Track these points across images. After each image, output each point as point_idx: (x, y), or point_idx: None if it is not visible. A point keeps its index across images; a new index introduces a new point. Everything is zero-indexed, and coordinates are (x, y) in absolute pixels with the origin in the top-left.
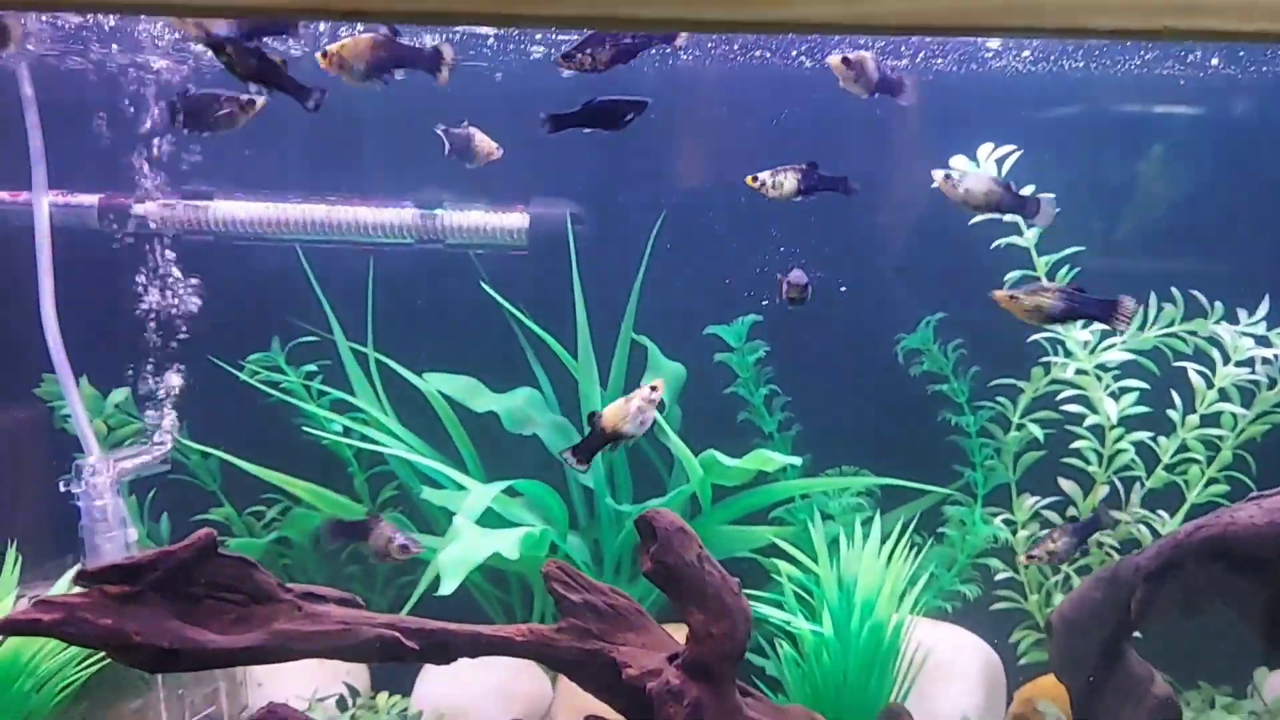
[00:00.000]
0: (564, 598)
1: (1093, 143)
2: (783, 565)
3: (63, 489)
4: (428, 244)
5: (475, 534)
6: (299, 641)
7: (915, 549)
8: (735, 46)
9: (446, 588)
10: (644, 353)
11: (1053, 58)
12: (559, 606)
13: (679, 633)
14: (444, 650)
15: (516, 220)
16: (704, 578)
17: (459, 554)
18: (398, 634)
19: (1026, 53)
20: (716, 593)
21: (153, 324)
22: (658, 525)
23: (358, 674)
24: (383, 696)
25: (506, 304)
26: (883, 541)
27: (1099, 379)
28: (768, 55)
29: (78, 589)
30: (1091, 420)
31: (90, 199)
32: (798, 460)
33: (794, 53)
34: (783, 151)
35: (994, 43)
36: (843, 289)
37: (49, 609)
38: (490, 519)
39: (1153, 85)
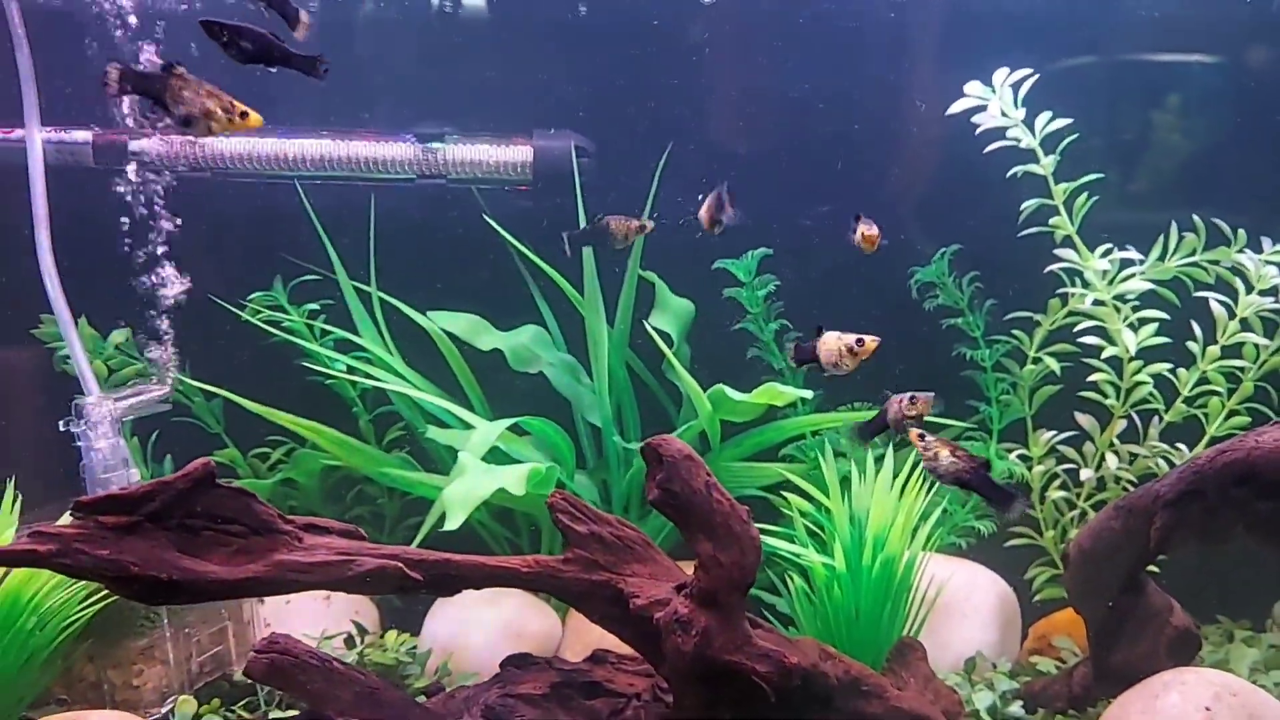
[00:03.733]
0: (570, 529)
1: (1111, 66)
2: (794, 499)
3: (62, 429)
4: (429, 179)
5: (480, 470)
6: (299, 573)
7: (929, 484)
8: None
9: (451, 523)
10: (651, 289)
11: None
12: (565, 537)
13: (690, 569)
14: (448, 581)
15: (520, 153)
16: (712, 505)
17: (464, 490)
18: (400, 564)
19: None
20: (725, 521)
21: (152, 263)
22: (664, 452)
23: (367, 613)
24: (391, 635)
25: (511, 239)
26: (895, 477)
27: (1117, 310)
28: None
29: (74, 521)
30: (1109, 352)
31: (84, 135)
32: (809, 394)
33: None
34: (792, 75)
35: None
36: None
37: (44, 540)
38: (498, 458)
39: (1174, 7)
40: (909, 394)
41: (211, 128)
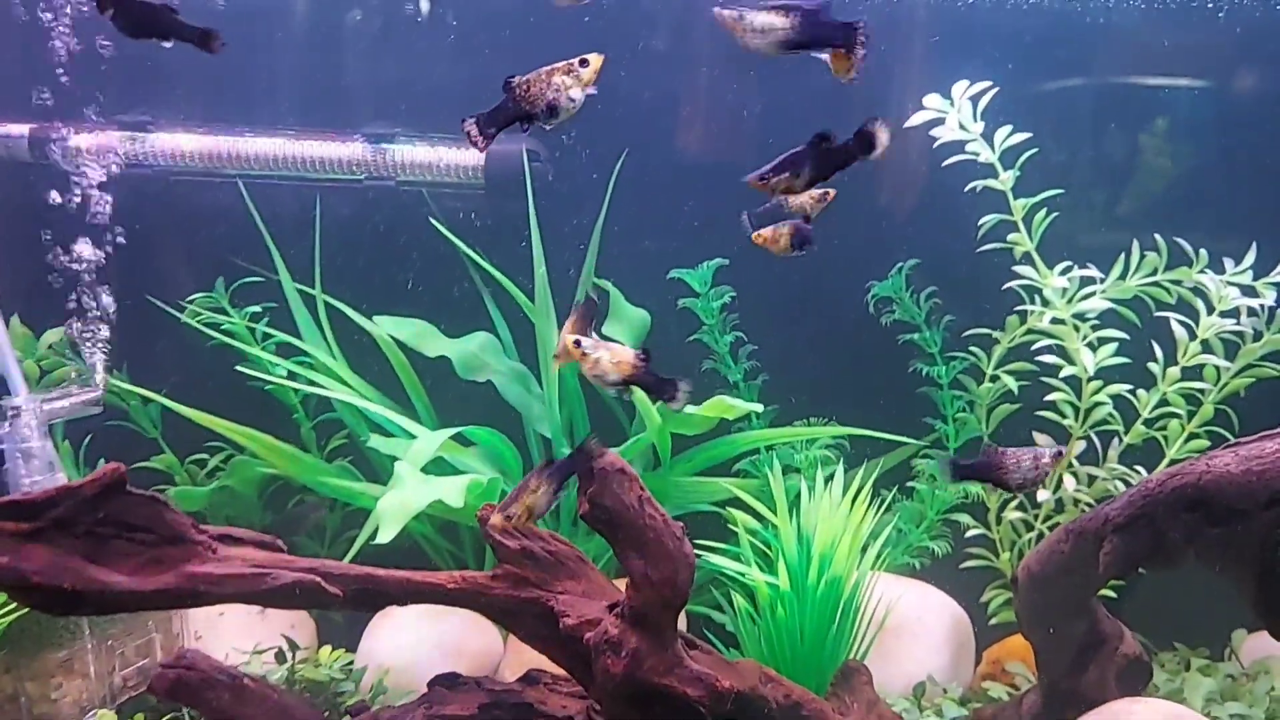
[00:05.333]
0: (500, 544)
1: (1073, 82)
2: (740, 516)
3: None
4: (378, 180)
5: (417, 481)
6: (211, 585)
7: (880, 502)
8: None
9: (384, 536)
10: (606, 297)
11: None
12: (496, 553)
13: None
14: (370, 597)
15: (471, 156)
16: (644, 521)
17: (398, 502)
18: (318, 579)
19: None
20: (657, 537)
21: (89, 261)
22: (596, 465)
23: (304, 627)
24: (325, 650)
25: (461, 244)
26: (845, 493)
27: (1076, 329)
28: None
29: None
30: (1068, 372)
31: (20, 129)
32: (759, 407)
33: None
34: (749, 83)
35: None
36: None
37: None
38: (442, 469)
39: (1134, 19)
40: (1044, 450)
41: (573, 98)
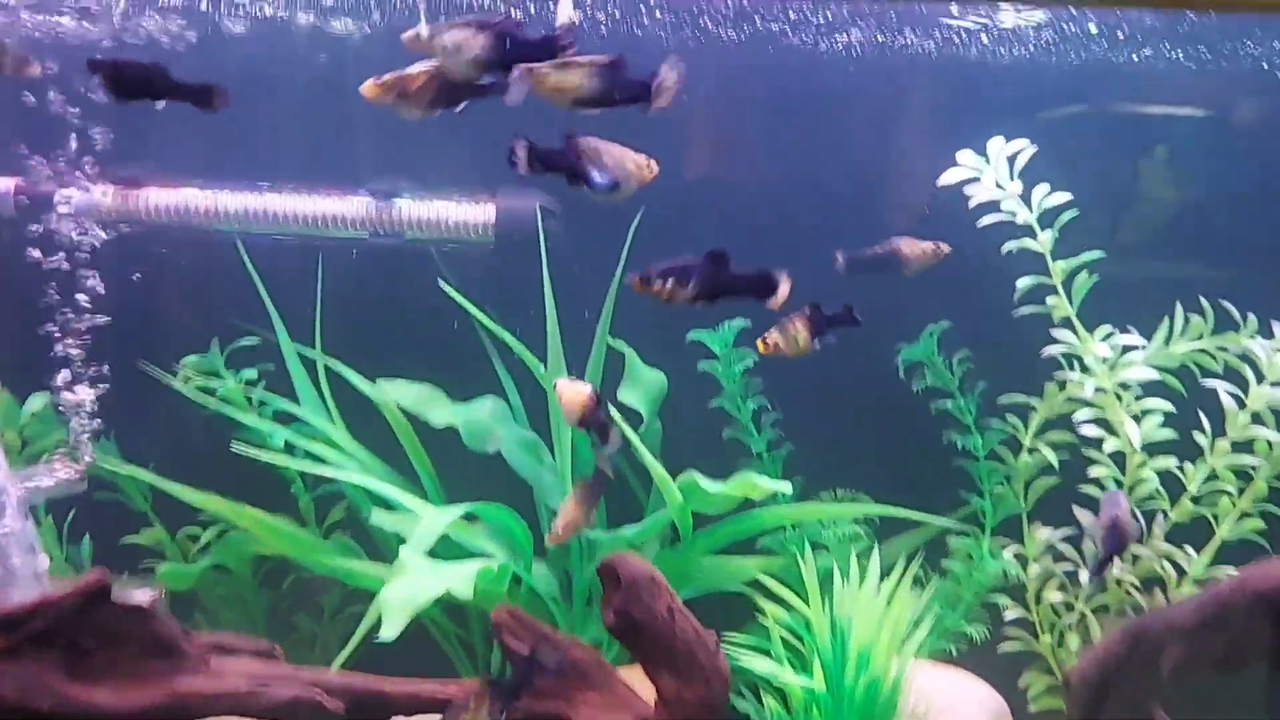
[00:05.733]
0: (515, 652)
1: (1112, 138)
2: (771, 609)
3: None
4: (384, 238)
5: (423, 569)
6: (202, 703)
7: (917, 585)
8: (731, 28)
9: (387, 631)
10: (620, 359)
11: (1069, 47)
12: (510, 662)
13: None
14: (375, 709)
15: (482, 213)
16: (674, 634)
17: (404, 593)
18: (318, 694)
19: (1036, 31)
20: (689, 651)
21: (76, 323)
22: (623, 573)
23: None
24: None
25: (469, 304)
26: (882, 578)
27: (1119, 399)
28: (762, 36)
29: None
30: (1112, 445)
31: (5, 183)
32: (789, 487)
33: (789, 35)
34: (775, 142)
35: (1007, 20)
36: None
37: None
38: (447, 546)
39: (1178, 77)
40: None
41: (632, 186)
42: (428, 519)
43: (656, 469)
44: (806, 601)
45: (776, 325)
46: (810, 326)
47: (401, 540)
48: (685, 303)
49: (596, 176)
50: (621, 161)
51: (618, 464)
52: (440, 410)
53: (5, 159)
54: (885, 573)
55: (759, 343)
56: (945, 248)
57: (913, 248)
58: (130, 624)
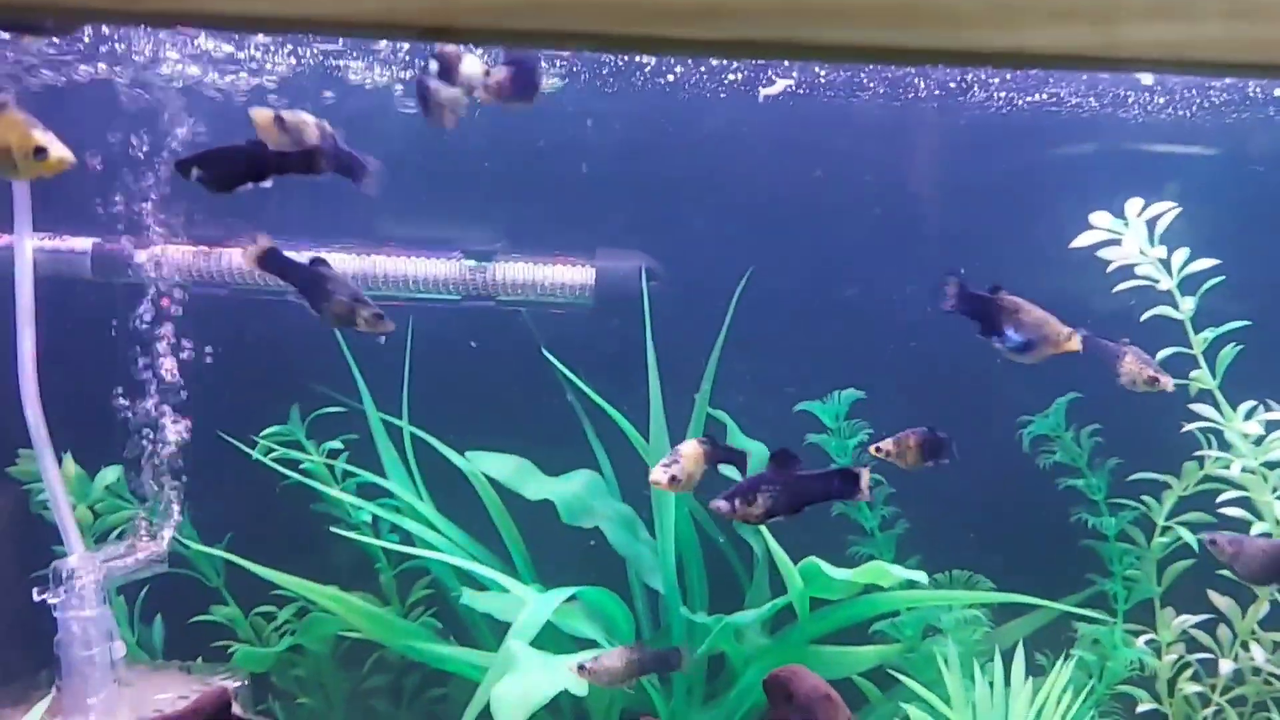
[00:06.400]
0: None
1: (1259, 198)
2: (913, 712)
3: (37, 598)
4: (476, 300)
5: (536, 663)
6: None
7: (1065, 686)
8: (838, 85)
9: None
10: (722, 430)
11: (1219, 105)
12: None
13: None
14: None
15: (581, 274)
16: None
17: (518, 690)
18: None
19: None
20: None
21: (152, 391)
22: (796, 690)
23: None
24: None
25: (567, 371)
26: (1028, 680)
27: (1265, 479)
28: (878, 94)
29: None
30: (1259, 528)
31: (84, 244)
32: (923, 576)
33: (909, 94)
34: (887, 203)
35: (1147, 79)
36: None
37: None
38: (546, 629)
39: None
40: None
41: (1046, 351)
42: (532, 605)
43: (779, 552)
44: (937, 694)
45: (893, 438)
46: (922, 449)
47: (489, 620)
48: (759, 520)
49: (1010, 332)
50: (1041, 325)
51: (716, 539)
52: (533, 483)
53: (82, 215)
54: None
55: (871, 449)
56: (1167, 383)
57: (1132, 368)
58: None
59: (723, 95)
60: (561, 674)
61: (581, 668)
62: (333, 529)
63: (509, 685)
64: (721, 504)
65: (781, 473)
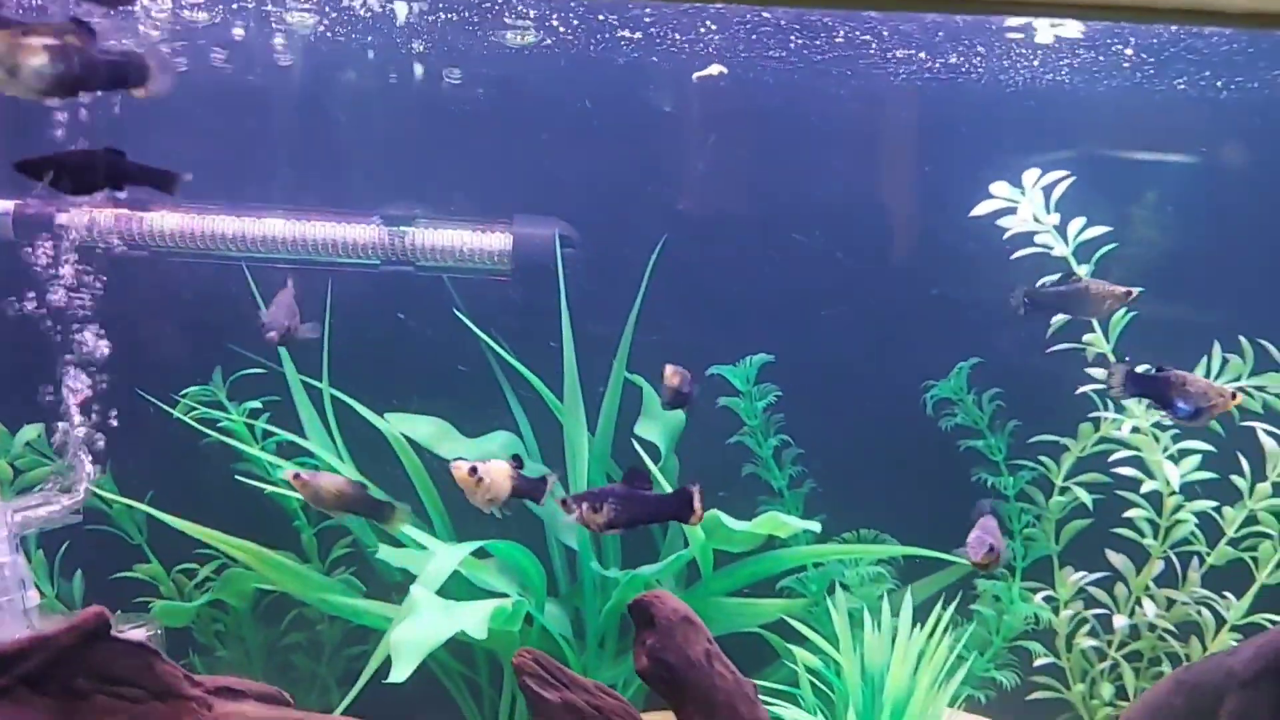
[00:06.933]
0: (538, 697)
1: (1146, 170)
2: (800, 654)
3: None
4: (395, 265)
5: (435, 608)
6: None
7: (948, 631)
8: (756, 52)
9: (398, 674)
10: (638, 394)
11: (1105, 75)
12: (532, 708)
13: None
14: None
15: (498, 241)
16: (714, 681)
17: (415, 633)
18: None
19: (1076, 56)
20: (729, 700)
21: (74, 351)
22: (658, 613)
23: None
24: None
25: (483, 335)
26: (915, 624)
27: (1156, 439)
28: (790, 62)
29: None
30: (1148, 486)
31: (5, 205)
32: (816, 526)
33: (820, 58)
34: (803, 167)
35: (1043, 35)
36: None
37: None
38: (457, 583)
39: (1218, 105)
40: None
41: (1210, 415)
42: (439, 556)
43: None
44: (836, 646)
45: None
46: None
47: (407, 576)
48: (600, 530)
49: (1180, 404)
50: (1205, 393)
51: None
52: (451, 443)
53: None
54: (914, 619)
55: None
56: (1135, 291)
57: (1100, 288)
58: (130, 665)
59: (656, 60)
60: (460, 618)
61: (297, 476)
62: (241, 477)
63: (406, 629)
64: (570, 505)
65: (630, 489)
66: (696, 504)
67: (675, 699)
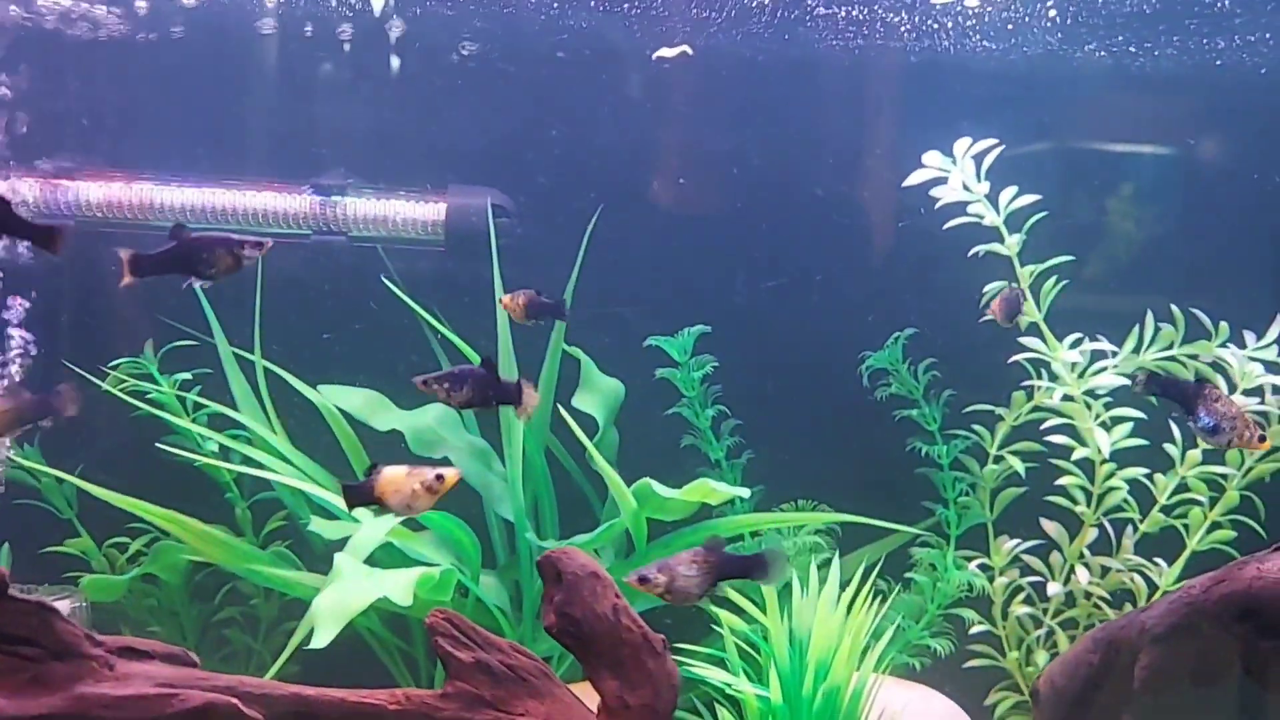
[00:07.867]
0: (451, 656)
1: (1081, 142)
2: (726, 617)
3: None
4: (328, 235)
5: (359, 575)
6: (106, 709)
7: (879, 597)
8: (698, 28)
9: (319, 640)
10: (576, 366)
11: (1039, 46)
12: (445, 667)
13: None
14: (298, 719)
15: (431, 211)
16: (620, 635)
17: (337, 600)
18: (235, 700)
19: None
20: (635, 654)
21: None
22: (564, 569)
23: None
24: None
25: (417, 306)
26: (842, 588)
27: (1088, 407)
28: (735, 37)
29: None
30: (1080, 454)
31: None
32: (746, 492)
33: (761, 35)
34: (742, 142)
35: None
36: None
37: None
38: (392, 556)
39: (1153, 76)
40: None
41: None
42: (367, 525)
43: (610, 474)
44: (764, 611)
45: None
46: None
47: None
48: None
49: (1202, 414)
50: (1234, 415)
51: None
52: (384, 415)
53: None
54: (846, 583)
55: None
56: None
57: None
58: (29, 624)
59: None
60: (384, 584)
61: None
62: (170, 449)
63: (328, 596)
64: (430, 384)
65: (479, 369)
66: (527, 394)
67: (582, 653)
